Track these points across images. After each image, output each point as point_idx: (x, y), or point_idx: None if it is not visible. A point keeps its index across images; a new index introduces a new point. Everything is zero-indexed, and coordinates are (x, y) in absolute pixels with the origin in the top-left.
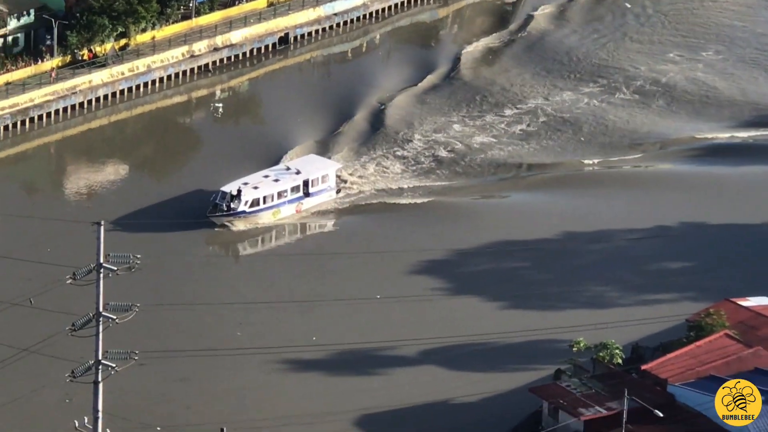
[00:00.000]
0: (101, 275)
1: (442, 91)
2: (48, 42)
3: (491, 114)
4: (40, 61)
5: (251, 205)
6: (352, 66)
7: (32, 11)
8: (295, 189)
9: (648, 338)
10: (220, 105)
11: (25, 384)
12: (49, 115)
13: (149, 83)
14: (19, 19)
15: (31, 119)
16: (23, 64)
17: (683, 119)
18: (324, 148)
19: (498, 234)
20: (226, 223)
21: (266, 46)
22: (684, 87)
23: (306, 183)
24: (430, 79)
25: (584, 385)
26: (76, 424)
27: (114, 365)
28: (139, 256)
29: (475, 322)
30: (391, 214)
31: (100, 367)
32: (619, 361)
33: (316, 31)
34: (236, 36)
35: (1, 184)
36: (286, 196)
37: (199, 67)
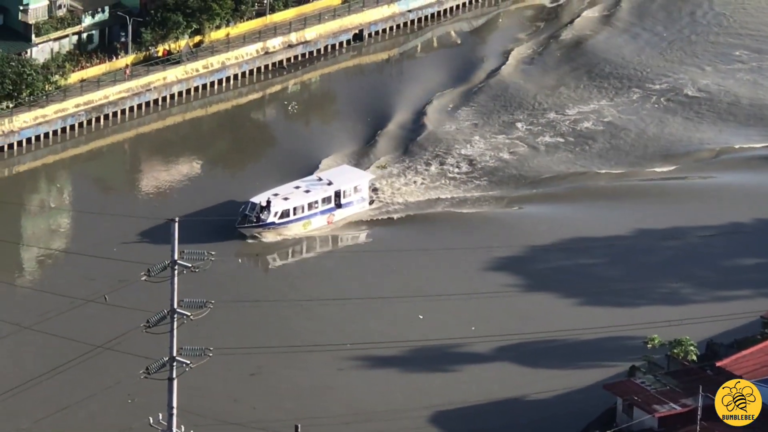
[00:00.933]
0: (176, 272)
1: (479, 96)
2: (122, 39)
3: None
4: (114, 58)
5: (281, 217)
6: (416, 64)
7: (107, 8)
8: (326, 200)
9: (722, 335)
10: (292, 103)
11: (99, 380)
12: (123, 112)
13: (223, 80)
14: (93, 17)
15: (106, 116)
16: (98, 61)
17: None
18: (364, 154)
19: (570, 231)
20: (256, 234)
21: (340, 43)
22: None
23: (338, 194)
24: (472, 81)
25: (659, 381)
26: (150, 421)
27: (188, 362)
28: (213, 252)
29: (549, 318)
30: (446, 223)
31: (175, 363)
32: (694, 357)
33: (390, 28)
34: (310, 33)
35: (75, 181)
36: (316, 207)
37: (273, 64)
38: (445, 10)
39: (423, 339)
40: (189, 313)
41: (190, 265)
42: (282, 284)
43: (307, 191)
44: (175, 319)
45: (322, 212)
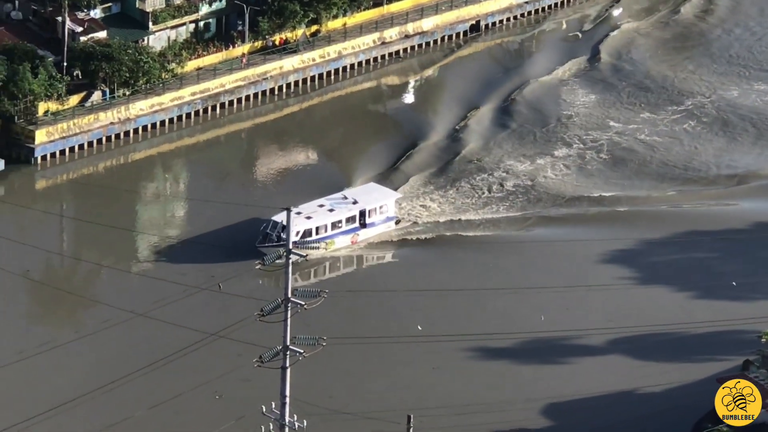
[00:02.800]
0: (290, 261)
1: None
2: (239, 28)
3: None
4: (231, 46)
5: (303, 236)
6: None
7: None
8: (350, 219)
9: None
10: (408, 92)
11: (213, 368)
12: (239, 100)
13: (340, 70)
14: (211, 5)
15: (222, 105)
16: (214, 49)
17: None
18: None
19: (683, 225)
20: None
21: (457, 34)
22: None
23: (362, 213)
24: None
25: None
26: (263, 410)
27: (302, 351)
28: (327, 242)
29: (661, 312)
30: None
31: (288, 352)
32: None
33: (508, 19)
34: (427, 23)
35: (190, 169)
36: (340, 227)
37: (390, 54)
38: (562, 1)
39: (533, 331)
40: (303, 302)
41: (304, 255)
42: (388, 275)
43: (331, 210)
44: (290, 308)
45: (345, 232)
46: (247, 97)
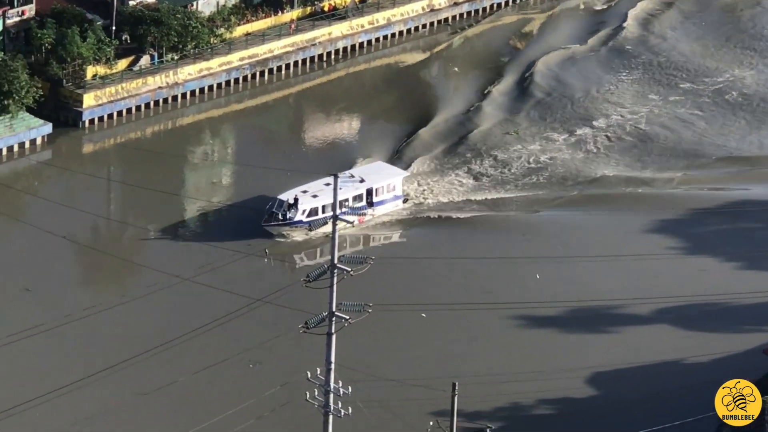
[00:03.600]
0: (337, 226)
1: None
2: None
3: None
4: (280, 12)
5: (309, 215)
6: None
7: None
8: (357, 198)
9: None
10: (455, 60)
11: (258, 333)
12: (287, 66)
13: (388, 36)
14: None
15: (270, 70)
16: (263, 15)
17: None
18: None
19: (732, 196)
20: (284, 233)
21: (506, 2)
22: None
23: (369, 192)
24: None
25: None
26: (308, 375)
27: (347, 317)
28: (373, 209)
29: (709, 281)
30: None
31: (334, 319)
32: None
33: None
34: None
35: (238, 135)
36: (347, 206)
37: (439, 21)
38: None
39: (580, 300)
40: (349, 269)
41: (352, 221)
42: (433, 244)
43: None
44: (336, 275)
45: (352, 210)
46: (295, 63)
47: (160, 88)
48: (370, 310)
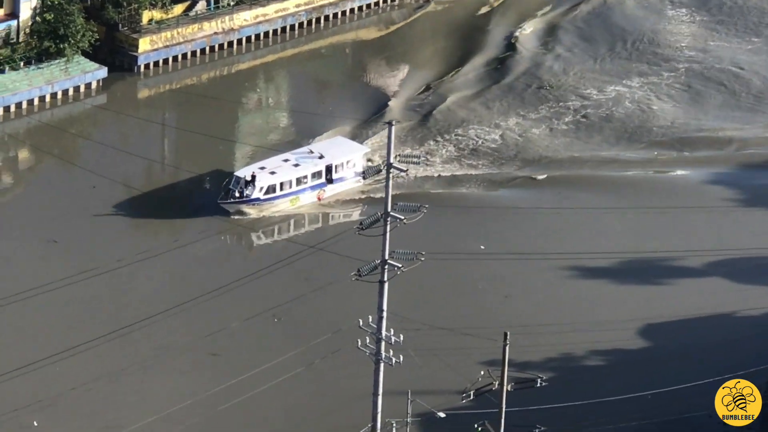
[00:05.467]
0: (390, 175)
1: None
2: None
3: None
4: None
5: (266, 192)
6: None
7: None
8: (316, 175)
9: None
10: (502, 10)
11: (310, 280)
12: (343, 13)
13: None
14: None
15: (326, 17)
16: None
17: None
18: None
19: None
20: (243, 210)
21: None
22: None
23: (329, 168)
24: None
25: None
26: (360, 323)
27: (400, 265)
28: (427, 155)
29: (763, 235)
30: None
31: (386, 266)
32: None
33: None
34: None
35: (293, 81)
36: (306, 183)
37: None
38: None
39: (633, 251)
40: (402, 217)
41: (405, 169)
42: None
43: (296, 165)
44: (389, 223)
45: (312, 188)
46: (351, 10)
47: (215, 33)
48: (422, 259)
